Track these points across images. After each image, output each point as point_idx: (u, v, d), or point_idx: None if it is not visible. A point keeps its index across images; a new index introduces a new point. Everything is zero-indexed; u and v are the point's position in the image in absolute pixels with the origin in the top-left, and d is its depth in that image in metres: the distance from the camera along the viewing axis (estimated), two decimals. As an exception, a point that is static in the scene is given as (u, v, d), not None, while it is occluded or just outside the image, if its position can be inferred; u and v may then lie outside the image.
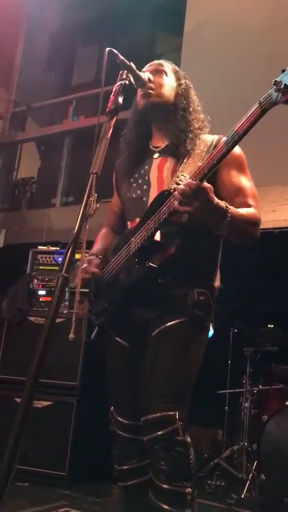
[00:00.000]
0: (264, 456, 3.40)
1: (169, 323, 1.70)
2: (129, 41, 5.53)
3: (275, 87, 1.44)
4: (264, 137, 3.40)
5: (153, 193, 1.79)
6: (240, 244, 1.75)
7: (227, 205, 1.57)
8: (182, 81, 1.88)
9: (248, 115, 1.48)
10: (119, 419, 1.81)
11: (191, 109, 1.85)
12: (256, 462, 3.47)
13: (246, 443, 3.70)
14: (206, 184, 1.51)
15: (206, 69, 4.03)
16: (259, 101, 1.47)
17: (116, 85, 1.63)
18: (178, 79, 1.89)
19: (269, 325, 4.09)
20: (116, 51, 1.63)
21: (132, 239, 1.74)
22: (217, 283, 1.83)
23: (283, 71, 1.44)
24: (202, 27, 4.38)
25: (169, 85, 1.86)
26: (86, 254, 1.91)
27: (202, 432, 4.48)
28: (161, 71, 1.88)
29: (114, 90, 1.62)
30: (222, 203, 1.56)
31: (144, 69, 1.87)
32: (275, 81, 1.45)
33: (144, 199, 1.83)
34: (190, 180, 1.51)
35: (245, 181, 1.75)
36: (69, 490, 3.14)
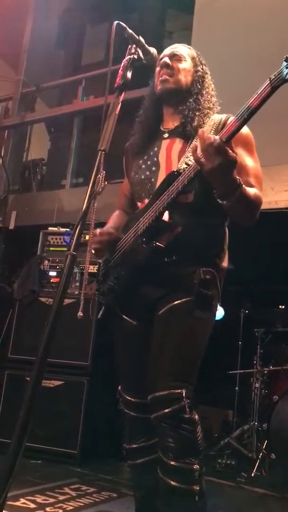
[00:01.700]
0: (274, 436, 3.42)
1: (176, 302, 1.70)
2: (139, 20, 5.43)
3: (286, 63, 1.41)
4: (279, 114, 3.35)
5: (162, 175, 1.79)
6: (239, 223, 1.74)
7: (240, 179, 1.55)
8: (199, 67, 1.88)
9: (258, 93, 1.45)
10: (127, 397, 1.83)
11: (204, 92, 1.85)
12: (266, 441, 3.49)
13: (256, 423, 3.72)
14: (230, 151, 1.47)
15: (217, 47, 3.94)
16: (270, 78, 1.44)
17: (124, 59, 1.61)
18: (195, 64, 1.88)
19: (280, 306, 4.06)
20: (124, 25, 1.60)
21: (141, 219, 1.74)
22: (224, 263, 1.83)
23: None
24: (213, 5, 4.28)
25: (186, 70, 1.86)
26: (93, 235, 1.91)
27: (212, 412, 4.51)
28: (179, 55, 1.87)
29: (122, 64, 1.60)
30: (237, 177, 1.54)
31: (162, 55, 1.87)
32: (287, 57, 1.41)
33: (152, 180, 1.83)
34: (216, 137, 1.47)
35: (249, 161, 1.73)
36: (81, 467, 3.19)
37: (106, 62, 5.40)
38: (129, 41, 1.66)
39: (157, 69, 1.87)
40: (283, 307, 4.06)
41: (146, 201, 1.80)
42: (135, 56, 1.64)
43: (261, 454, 3.46)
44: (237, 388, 4.09)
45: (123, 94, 1.57)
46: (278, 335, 4.04)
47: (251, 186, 1.66)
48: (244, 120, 1.47)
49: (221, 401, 4.45)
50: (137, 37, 1.66)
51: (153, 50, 1.74)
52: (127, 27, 1.62)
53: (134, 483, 1.92)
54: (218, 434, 4.21)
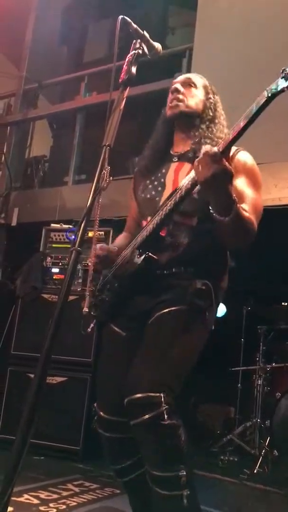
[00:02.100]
0: (277, 433, 3.42)
1: (166, 310, 1.68)
2: (141, 16, 5.41)
3: (282, 74, 1.40)
4: (280, 113, 3.33)
5: (167, 194, 1.78)
6: (232, 245, 1.73)
7: (236, 198, 1.53)
8: (211, 95, 1.89)
9: (255, 105, 1.45)
10: (101, 413, 1.75)
11: (216, 121, 1.85)
12: (268, 438, 3.49)
13: (259, 420, 3.72)
14: (225, 162, 1.47)
15: (220, 44, 3.93)
16: (266, 90, 1.44)
17: (129, 54, 1.60)
18: (207, 92, 1.89)
19: (283, 303, 4.06)
20: (129, 20, 1.59)
21: (139, 233, 1.77)
22: (223, 283, 1.81)
23: None
24: (216, 1, 4.27)
25: (197, 96, 1.87)
26: (99, 232, 1.91)
27: (215, 409, 4.52)
28: (190, 83, 1.88)
29: (127, 60, 1.59)
30: (232, 193, 1.52)
31: (174, 81, 1.89)
32: (284, 69, 1.40)
33: (157, 199, 1.84)
34: (212, 147, 1.48)
35: (249, 191, 1.71)
36: (83, 464, 3.20)
37: (108, 59, 5.43)
38: (134, 36, 1.65)
39: (169, 95, 1.88)
40: (286, 304, 4.05)
41: (149, 219, 1.80)
42: (140, 51, 1.63)
43: (263, 451, 3.46)
44: (239, 385, 4.10)
45: (127, 90, 1.56)
46: (281, 332, 4.04)
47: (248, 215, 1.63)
48: (242, 130, 1.47)
49: (224, 398, 4.46)
50: (142, 32, 1.65)
51: (157, 45, 1.73)
52: (131, 22, 1.61)
53: (129, 495, 1.86)
54: (220, 431, 4.21)
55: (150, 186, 1.88)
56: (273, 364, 3.92)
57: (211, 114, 1.86)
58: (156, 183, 1.87)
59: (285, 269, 4.24)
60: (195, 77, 1.93)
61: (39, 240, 3.97)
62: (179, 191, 1.63)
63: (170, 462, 1.54)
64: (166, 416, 1.52)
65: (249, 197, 1.69)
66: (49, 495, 2.56)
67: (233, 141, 1.49)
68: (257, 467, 3.36)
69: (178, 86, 1.86)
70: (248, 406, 3.95)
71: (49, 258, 3.84)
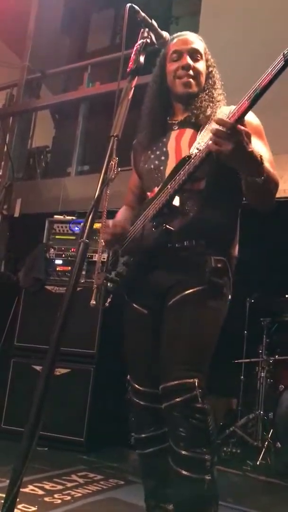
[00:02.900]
0: (280, 425, 3.43)
1: (187, 291, 1.69)
2: (145, 4, 5.35)
3: None
4: (286, 105, 3.31)
5: (171, 163, 1.77)
6: (259, 206, 1.72)
7: (261, 155, 1.53)
8: (210, 62, 1.88)
9: (271, 67, 1.42)
10: (136, 386, 1.82)
11: (216, 86, 1.85)
12: (271, 430, 3.50)
13: (262, 412, 3.72)
14: (241, 127, 1.46)
15: (225, 33, 3.88)
16: (283, 53, 1.41)
17: (137, 43, 1.58)
18: (207, 59, 1.88)
19: (287, 296, 4.04)
20: (137, 8, 1.57)
21: (151, 205, 1.74)
22: (235, 251, 1.82)
23: None
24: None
25: (203, 69, 1.86)
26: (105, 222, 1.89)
27: (217, 401, 4.51)
28: (197, 54, 1.84)
29: (135, 49, 1.56)
30: (257, 152, 1.52)
31: (175, 41, 1.84)
32: None
33: (161, 168, 1.82)
34: (226, 119, 1.46)
35: (262, 148, 1.70)
36: (87, 455, 3.21)
37: (111, 48, 5.36)
38: (142, 24, 1.62)
39: (175, 66, 1.82)
40: (290, 296, 4.03)
41: (156, 189, 1.78)
42: (148, 40, 1.61)
43: (266, 443, 3.47)
44: (242, 377, 4.09)
45: (135, 79, 1.54)
46: (284, 325, 4.03)
47: None
48: (256, 97, 1.44)
49: (226, 390, 4.45)
50: (150, 21, 1.62)
51: (165, 34, 1.71)
52: (140, 10, 1.59)
53: (144, 471, 1.91)
54: (223, 422, 4.21)
55: (152, 156, 1.86)
56: (276, 356, 3.91)
57: (210, 82, 1.86)
58: (158, 152, 1.85)
59: (288, 261, 4.23)
60: (197, 44, 1.87)
61: (42, 232, 3.95)
62: (192, 161, 1.61)
63: (198, 443, 1.59)
64: (199, 399, 1.59)
65: (265, 157, 1.67)
66: (54, 486, 2.57)
67: (248, 108, 1.46)
68: (260, 459, 3.37)
69: (189, 61, 1.82)
70: (251, 398, 3.95)
71: (52, 250, 3.82)
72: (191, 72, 1.81)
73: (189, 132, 1.79)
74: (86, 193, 3.89)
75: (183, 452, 1.59)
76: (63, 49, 6.08)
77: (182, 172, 1.64)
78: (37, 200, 4.93)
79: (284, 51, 1.40)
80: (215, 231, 1.73)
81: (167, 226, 1.66)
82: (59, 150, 5.47)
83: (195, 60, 1.84)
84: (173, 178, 1.66)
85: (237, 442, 3.72)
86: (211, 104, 1.79)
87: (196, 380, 1.60)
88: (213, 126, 1.49)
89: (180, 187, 1.64)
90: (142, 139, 1.94)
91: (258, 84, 1.43)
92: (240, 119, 1.47)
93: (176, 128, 1.84)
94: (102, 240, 1.76)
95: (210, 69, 1.88)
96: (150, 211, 1.73)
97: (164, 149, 1.83)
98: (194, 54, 1.85)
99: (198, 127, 1.76)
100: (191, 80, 1.81)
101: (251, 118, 1.73)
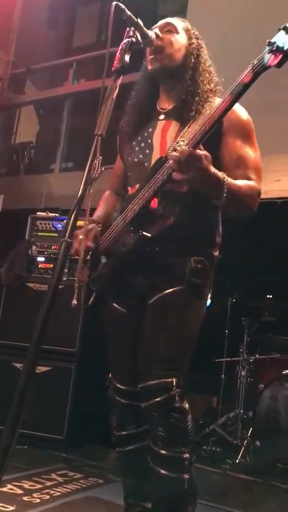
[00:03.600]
0: (259, 424, 3.46)
1: (167, 291, 1.69)
2: (132, 2, 5.32)
3: (268, 48, 1.35)
4: (269, 105, 3.32)
5: (155, 158, 1.73)
6: (237, 216, 1.72)
7: (224, 176, 1.51)
8: (194, 41, 1.78)
9: (239, 79, 1.43)
10: (117, 385, 1.82)
11: (200, 69, 1.75)
12: (251, 429, 3.53)
13: (241, 411, 3.75)
14: (199, 151, 1.43)
15: (211, 32, 3.87)
16: (252, 63, 1.40)
17: (122, 42, 1.56)
18: (189, 38, 1.78)
19: (267, 296, 4.08)
20: (123, 6, 1.55)
21: (130, 206, 1.71)
22: (216, 251, 1.81)
23: (279, 30, 1.34)
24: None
25: (179, 43, 1.76)
26: (88, 222, 1.86)
27: (198, 399, 4.53)
28: (171, 27, 1.78)
29: (120, 48, 1.55)
30: (219, 174, 1.50)
31: (153, 27, 1.77)
32: (269, 42, 1.35)
33: (146, 164, 1.78)
34: (184, 147, 1.45)
35: (248, 151, 1.67)
36: (67, 453, 3.20)
37: (98, 44, 5.31)
38: (127, 23, 1.60)
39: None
40: (271, 296, 4.07)
41: (137, 186, 1.75)
42: (133, 39, 1.59)
43: (245, 441, 3.49)
44: (223, 376, 4.12)
45: (120, 78, 1.53)
46: (265, 324, 4.07)
47: (248, 179, 1.62)
48: (220, 115, 1.44)
49: (207, 388, 4.48)
50: (136, 20, 1.60)
51: (151, 33, 1.68)
52: (125, 8, 1.57)
53: (123, 470, 1.92)
54: (203, 420, 4.24)
55: (137, 148, 1.81)
56: (257, 355, 3.95)
57: (193, 61, 1.74)
58: (143, 144, 1.79)
59: (269, 262, 4.27)
60: (175, 20, 1.81)
61: (25, 228, 3.92)
62: (168, 167, 1.55)
63: (176, 443, 1.60)
64: (177, 399, 1.60)
65: (250, 159, 1.66)
66: (33, 485, 2.56)
67: (210, 129, 1.45)
68: (239, 457, 3.40)
69: (157, 31, 1.74)
70: (231, 397, 3.98)
71: (35, 247, 3.79)
72: (158, 43, 1.71)
73: (175, 125, 1.74)
74: (70, 190, 3.86)
75: (162, 452, 1.59)
76: (49, 44, 6.02)
77: (157, 177, 1.60)
78: (20, 196, 4.88)
79: (253, 60, 1.39)
80: (196, 234, 1.71)
81: (144, 233, 1.64)
82: (43, 146, 5.43)
83: (167, 32, 1.76)
84: (152, 178, 1.63)
85: (217, 441, 3.74)
86: (196, 98, 1.70)
87: (175, 380, 1.61)
88: (173, 154, 1.45)
89: (159, 189, 1.60)
90: (128, 123, 1.88)
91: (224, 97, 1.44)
92: (199, 143, 1.44)
93: (163, 118, 1.78)
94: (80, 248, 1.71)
95: (193, 45, 1.76)
96: (128, 213, 1.70)
97: (149, 140, 1.78)
98: (167, 27, 1.77)
99: (184, 120, 1.71)
100: (157, 54, 1.73)
101: (240, 113, 1.69)
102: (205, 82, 1.74)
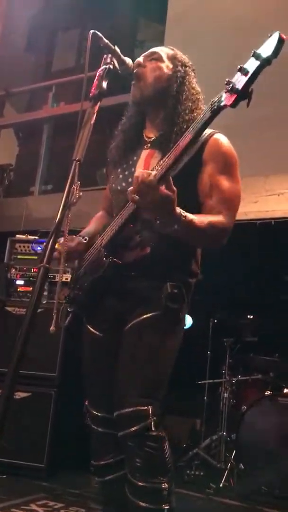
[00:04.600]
0: (243, 446, 3.43)
1: (142, 317, 1.67)
2: (111, 28, 5.43)
3: (226, 86, 1.35)
4: (247, 128, 3.38)
5: None
6: (202, 248, 1.73)
7: (182, 213, 1.47)
8: (179, 68, 1.76)
9: (197, 121, 1.44)
10: (93, 412, 1.77)
11: (183, 98, 1.72)
12: (234, 451, 3.50)
13: (224, 433, 3.72)
14: (162, 189, 1.41)
15: (189, 59, 3.96)
16: (212, 101, 1.41)
17: (100, 69, 1.58)
18: (175, 65, 1.76)
19: (249, 316, 4.10)
20: (100, 34, 1.57)
21: (108, 230, 1.72)
22: (194, 275, 1.79)
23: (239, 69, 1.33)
24: (186, 15, 4.32)
25: (160, 71, 1.75)
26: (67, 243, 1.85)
27: (180, 422, 4.50)
28: (156, 57, 1.77)
29: (98, 74, 1.57)
30: (178, 213, 1.46)
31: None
32: (227, 81, 1.35)
33: (127, 192, 1.78)
34: (150, 177, 1.43)
35: (224, 182, 1.63)
36: (48, 482, 3.11)
37: (77, 68, 5.38)
38: (105, 50, 1.63)
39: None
40: (252, 317, 4.09)
41: (115, 212, 1.75)
42: (111, 66, 1.61)
43: (229, 464, 3.46)
44: (205, 397, 4.09)
45: (98, 104, 1.54)
46: (247, 345, 4.07)
47: (218, 212, 1.60)
48: (178, 156, 1.44)
49: (189, 411, 4.45)
50: (113, 47, 1.62)
51: (128, 60, 1.70)
52: (103, 36, 1.59)
53: (102, 499, 1.87)
54: (186, 444, 4.19)
55: (121, 176, 1.81)
56: (239, 376, 3.94)
57: (175, 88, 1.71)
58: (126, 172, 1.78)
59: (251, 282, 4.30)
60: (162, 49, 1.79)
61: (4, 251, 3.88)
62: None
63: (154, 473, 1.56)
64: (153, 428, 1.56)
65: (223, 190, 1.62)
66: (12, 517, 2.48)
67: (173, 164, 1.43)
68: (223, 481, 3.36)
69: (141, 59, 1.74)
70: (214, 419, 3.96)
71: (14, 270, 3.74)
72: (139, 70, 1.72)
73: (157, 155, 1.72)
74: (49, 213, 3.85)
75: (140, 483, 1.55)
76: (28, 67, 6.07)
77: (130, 204, 1.59)
78: (-1, 218, 4.85)
79: (214, 98, 1.39)
80: (172, 263, 1.69)
81: (114, 259, 1.64)
82: (22, 169, 5.43)
83: (150, 60, 1.76)
84: (126, 206, 1.62)
85: (200, 464, 3.70)
86: (175, 129, 1.67)
87: (150, 408, 1.57)
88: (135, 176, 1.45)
89: (133, 215, 1.59)
90: (115, 150, 1.87)
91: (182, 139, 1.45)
92: (163, 177, 1.42)
93: (148, 147, 1.78)
94: (60, 254, 1.70)
95: (178, 74, 1.74)
96: (105, 237, 1.71)
97: (133, 169, 1.77)
98: (150, 55, 1.77)
99: (165, 151, 1.66)
100: (136, 84, 1.74)
101: (221, 143, 1.68)
102: (187, 111, 1.70)
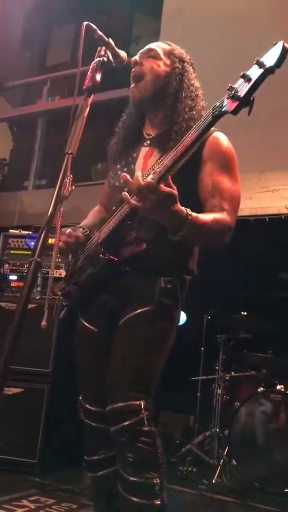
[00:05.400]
0: (236, 442, 3.44)
1: (136, 311, 1.67)
2: (106, 23, 5.39)
3: (228, 93, 1.34)
4: (242, 125, 3.36)
5: None
6: (204, 248, 1.72)
7: (188, 212, 1.47)
8: (177, 64, 1.75)
9: (199, 124, 1.44)
10: (87, 406, 1.77)
11: (182, 96, 1.71)
12: (227, 448, 3.50)
13: (217, 429, 3.72)
14: (164, 188, 1.41)
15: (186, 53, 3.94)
16: (214, 106, 1.40)
17: (93, 61, 1.56)
18: (173, 62, 1.75)
19: (242, 312, 4.10)
20: (94, 26, 1.56)
21: (104, 226, 1.71)
22: (188, 271, 1.79)
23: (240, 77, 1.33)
24: (182, 9, 4.30)
25: (159, 68, 1.74)
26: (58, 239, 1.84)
27: (174, 418, 4.50)
28: (152, 54, 1.76)
29: (91, 67, 1.55)
30: (183, 210, 1.46)
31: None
32: (230, 86, 1.34)
33: (126, 189, 1.77)
34: (147, 179, 1.42)
35: (225, 181, 1.63)
36: (40, 477, 3.10)
37: (72, 63, 5.37)
38: (99, 43, 1.61)
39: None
40: (246, 313, 4.09)
41: (114, 209, 1.73)
42: (105, 59, 1.59)
43: (222, 460, 3.46)
44: (199, 394, 4.10)
45: (91, 97, 1.53)
46: (240, 341, 4.08)
47: (221, 210, 1.59)
48: (179, 157, 1.42)
49: (183, 407, 4.45)
50: (107, 39, 1.61)
51: (122, 53, 1.69)
52: (97, 28, 1.58)
53: (94, 494, 1.87)
54: (179, 440, 4.19)
55: (119, 172, 1.79)
56: (232, 373, 3.94)
57: (174, 86, 1.71)
58: (125, 169, 1.77)
59: (245, 278, 4.30)
60: (158, 45, 1.79)
61: (-3, 246, 3.86)
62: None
63: (146, 468, 1.56)
64: (146, 423, 1.56)
65: (225, 189, 1.62)
66: (3, 513, 2.47)
67: (172, 167, 1.42)
68: (215, 477, 3.36)
69: (137, 57, 1.74)
70: (207, 416, 3.96)
71: (7, 265, 3.73)
72: (134, 73, 1.74)
73: (156, 154, 1.72)
74: (43, 208, 3.82)
75: (131, 478, 1.56)
76: (23, 61, 6.03)
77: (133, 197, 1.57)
78: (-8, 213, 4.82)
79: (216, 102, 1.38)
80: (169, 256, 1.68)
81: (110, 256, 1.64)
82: (16, 163, 5.40)
83: (147, 58, 1.75)
84: (124, 204, 1.61)
85: (193, 461, 3.71)
86: (174, 128, 1.66)
87: (143, 402, 1.58)
88: (133, 181, 1.44)
89: (130, 212, 1.58)
90: (114, 147, 1.87)
91: (185, 138, 1.44)
92: (163, 176, 1.41)
93: (147, 144, 1.78)
94: (56, 246, 1.69)
95: (176, 70, 1.73)
96: (102, 233, 1.70)
97: (132, 166, 1.77)
98: (146, 53, 1.76)
99: (164, 149, 1.68)
100: (134, 84, 1.74)
101: (221, 142, 1.68)
102: (186, 109, 1.69)
